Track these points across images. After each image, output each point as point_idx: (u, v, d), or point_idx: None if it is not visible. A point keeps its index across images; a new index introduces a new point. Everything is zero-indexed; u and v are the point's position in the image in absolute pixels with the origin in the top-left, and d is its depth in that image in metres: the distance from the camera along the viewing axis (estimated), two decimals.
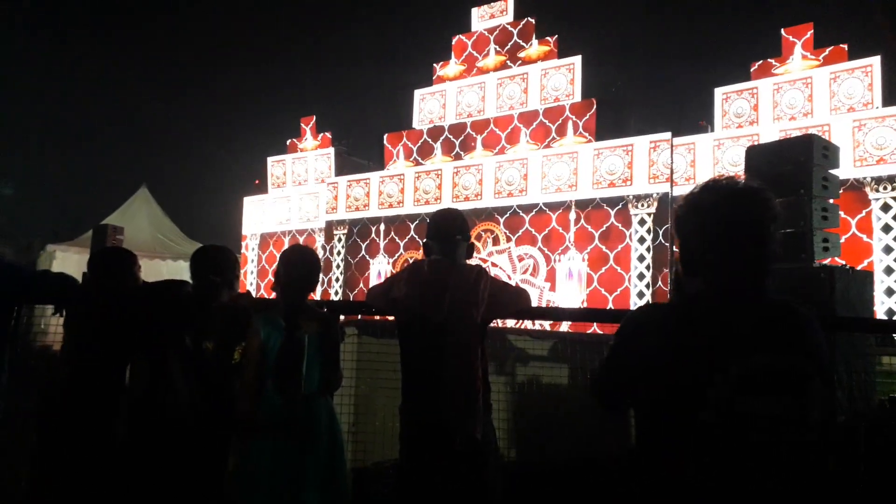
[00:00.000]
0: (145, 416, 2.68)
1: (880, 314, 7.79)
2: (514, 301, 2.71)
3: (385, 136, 13.17)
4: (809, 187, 4.96)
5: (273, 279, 2.74)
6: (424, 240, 2.71)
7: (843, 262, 6.50)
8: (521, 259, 10.55)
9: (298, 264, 2.71)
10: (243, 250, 14.62)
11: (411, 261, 2.81)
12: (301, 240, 13.97)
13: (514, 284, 2.89)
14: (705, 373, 1.33)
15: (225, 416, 2.65)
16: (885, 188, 8.24)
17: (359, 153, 14.64)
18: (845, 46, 9.32)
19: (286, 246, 14.12)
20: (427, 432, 2.47)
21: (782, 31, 9.80)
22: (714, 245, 1.42)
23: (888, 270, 8.07)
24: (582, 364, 4.11)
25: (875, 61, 8.86)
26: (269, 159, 15.01)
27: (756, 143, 9.05)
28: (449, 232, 2.64)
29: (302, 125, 14.77)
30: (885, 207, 8.22)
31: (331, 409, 2.70)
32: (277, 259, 2.73)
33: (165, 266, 15.05)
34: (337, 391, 2.82)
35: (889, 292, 7.99)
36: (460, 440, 2.41)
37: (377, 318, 3.22)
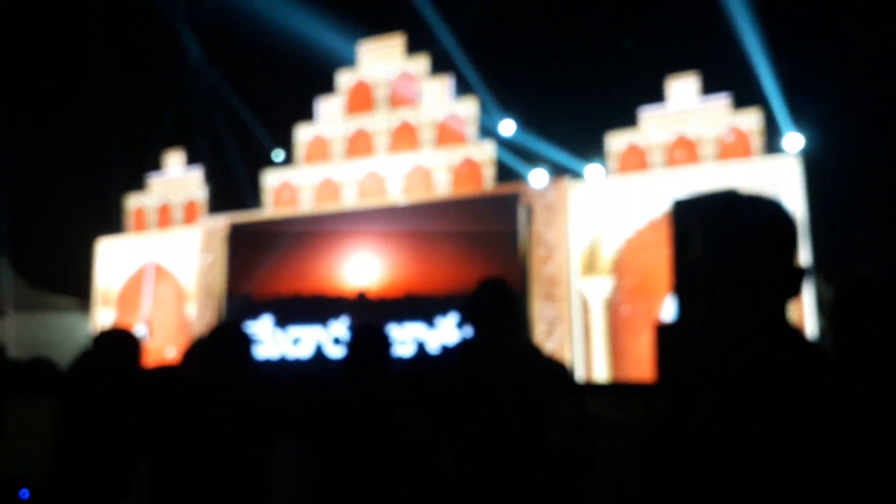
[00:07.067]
0: None
1: None
2: (564, 380, 2.61)
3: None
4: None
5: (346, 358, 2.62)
6: (469, 315, 2.59)
7: None
8: None
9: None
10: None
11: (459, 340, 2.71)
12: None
13: (555, 360, 2.70)
14: None
15: None
16: None
17: None
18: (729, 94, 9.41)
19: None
20: None
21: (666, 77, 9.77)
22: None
23: None
24: None
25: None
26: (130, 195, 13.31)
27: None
28: (498, 309, 2.54)
29: (165, 158, 13.18)
30: None
31: None
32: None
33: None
34: None
35: None
36: None
37: None
